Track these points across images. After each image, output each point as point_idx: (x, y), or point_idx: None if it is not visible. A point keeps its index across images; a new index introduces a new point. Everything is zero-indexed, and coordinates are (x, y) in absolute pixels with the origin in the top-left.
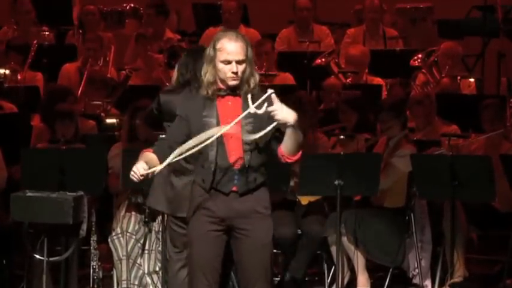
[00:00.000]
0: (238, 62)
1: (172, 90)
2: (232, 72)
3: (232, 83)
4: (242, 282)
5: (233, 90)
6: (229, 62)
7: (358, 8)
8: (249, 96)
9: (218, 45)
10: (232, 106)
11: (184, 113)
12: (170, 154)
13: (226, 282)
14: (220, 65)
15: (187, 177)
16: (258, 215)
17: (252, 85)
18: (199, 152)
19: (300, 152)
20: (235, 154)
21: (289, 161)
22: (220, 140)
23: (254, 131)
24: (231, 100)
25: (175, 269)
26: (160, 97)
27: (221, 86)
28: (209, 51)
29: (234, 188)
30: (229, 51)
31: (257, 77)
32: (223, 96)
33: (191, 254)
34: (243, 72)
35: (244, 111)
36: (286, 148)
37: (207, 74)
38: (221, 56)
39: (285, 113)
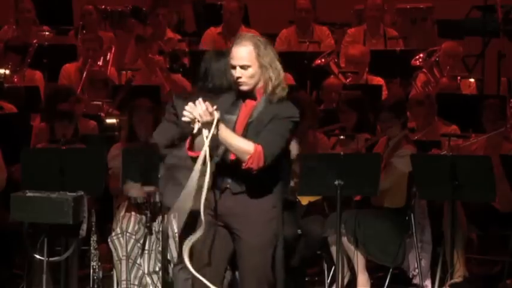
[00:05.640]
0: (243, 67)
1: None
2: (237, 77)
3: (240, 88)
4: (240, 285)
5: (250, 94)
6: (234, 67)
7: (359, 7)
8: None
9: (231, 49)
10: (248, 109)
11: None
12: None
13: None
14: (231, 70)
15: None
16: (249, 217)
17: (268, 90)
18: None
19: (250, 160)
20: None
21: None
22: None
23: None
24: (249, 103)
25: (176, 269)
26: None
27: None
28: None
29: (228, 186)
30: (233, 55)
31: (274, 81)
32: (243, 99)
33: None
34: (251, 77)
35: (253, 113)
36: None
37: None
38: (230, 61)
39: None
